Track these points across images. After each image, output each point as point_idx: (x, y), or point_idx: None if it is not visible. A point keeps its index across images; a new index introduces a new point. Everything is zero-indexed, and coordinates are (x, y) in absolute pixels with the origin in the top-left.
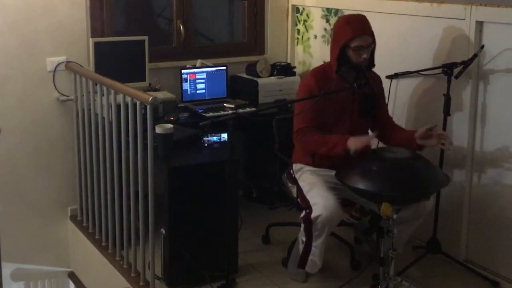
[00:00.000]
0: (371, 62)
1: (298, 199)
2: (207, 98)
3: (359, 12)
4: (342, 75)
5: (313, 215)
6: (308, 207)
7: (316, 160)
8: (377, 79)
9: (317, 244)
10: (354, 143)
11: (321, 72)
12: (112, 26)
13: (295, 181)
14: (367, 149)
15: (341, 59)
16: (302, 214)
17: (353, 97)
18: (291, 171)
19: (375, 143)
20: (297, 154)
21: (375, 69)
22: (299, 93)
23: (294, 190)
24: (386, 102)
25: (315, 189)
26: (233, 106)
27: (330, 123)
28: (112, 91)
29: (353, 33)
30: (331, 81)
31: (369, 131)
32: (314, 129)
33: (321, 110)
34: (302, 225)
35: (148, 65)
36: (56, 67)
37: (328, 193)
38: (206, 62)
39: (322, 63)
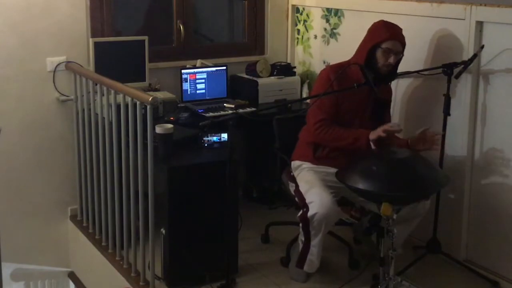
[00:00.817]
0: (394, 73)
1: (296, 198)
2: (207, 98)
3: (360, 12)
4: (363, 75)
5: (309, 213)
6: (304, 205)
7: (317, 155)
8: (389, 88)
9: (315, 243)
10: (375, 133)
11: (339, 68)
12: (112, 26)
13: (294, 179)
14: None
15: (367, 58)
16: (299, 213)
17: (369, 99)
18: (290, 169)
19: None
20: (297, 150)
21: None
22: (317, 85)
23: (293, 189)
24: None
25: (313, 188)
26: (233, 106)
27: (342, 122)
28: (112, 91)
29: (389, 35)
30: (348, 79)
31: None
32: (332, 122)
33: (338, 107)
34: (300, 224)
35: (148, 65)
36: (56, 67)
37: (324, 191)
38: (206, 62)
39: (322, 63)
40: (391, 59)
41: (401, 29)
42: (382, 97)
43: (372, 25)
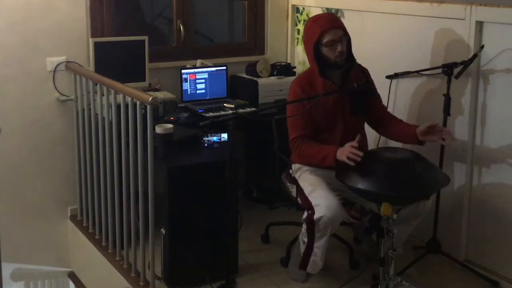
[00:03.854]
0: (350, 57)
1: (298, 199)
2: (207, 98)
3: (359, 12)
4: (327, 77)
5: (315, 216)
6: (310, 208)
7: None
8: (365, 71)
9: (319, 245)
10: (341, 155)
11: (305, 79)
12: (112, 26)
13: (294, 181)
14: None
15: (319, 60)
16: (304, 215)
17: (342, 98)
18: (290, 171)
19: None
20: (295, 154)
21: (374, 66)
22: (289, 100)
23: (293, 190)
24: (383, 99)
25: (317, 190)
26: (233, 106)
27: (323, 128)
28: (112, 91)
29: (321, 28)
30: (316, 87)
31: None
32: (308, 137)
33: (312, 117)
34: (304, 225)
35: (148, 65)
36: (56, 67)
37: (330, 194)
38: (206, 62)
39: None
40: (339, 48)
41: (330, 14)
42: (356, 89)
43: (304, 27)
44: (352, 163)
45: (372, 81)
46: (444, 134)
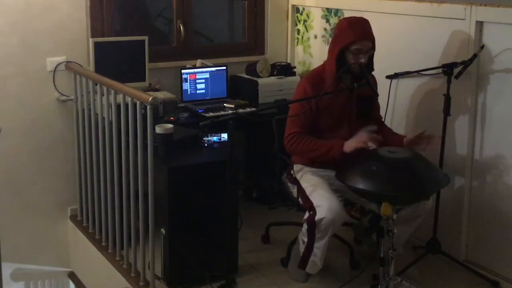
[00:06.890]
0: (370, 66)
1: (299, 200)
2: (207, 98)
3: (359, 12)
4: (339, 78)
5: (317, 217)
6: (311, 208)
7: (317, 162)
8: (374, 79)
9: (319, 246)
10: (349, 146)
11: (316, 78)
12: (112, 26)
13: (295, 182)
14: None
15: (339, 61)
16: (306, 216)
17: (351, 100)
18: (292, 171)
19: (370, 139)
20: (295, 155)
21: (374, 66)
22: (294, 99)
23: (294, 191)
24: (384, 98)
25: (318, 190)
26: (233, 106)
27: (328, 128)
28: (112, 91)
29: (355, 36)
30: (326, 86)
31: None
32: (305, 134)
33: (318, 117)
34: (305, 226)
35: (148, 65)
36: (56, 67)
37: (332, 195)
38: (206, 62)
39: (322, 63)
40: (362, 59)
41: (365, 22)
42: (365, 93)
43: (337, 26)
44: (373, 146)
45: (376, 89)
46: (431, 139)
